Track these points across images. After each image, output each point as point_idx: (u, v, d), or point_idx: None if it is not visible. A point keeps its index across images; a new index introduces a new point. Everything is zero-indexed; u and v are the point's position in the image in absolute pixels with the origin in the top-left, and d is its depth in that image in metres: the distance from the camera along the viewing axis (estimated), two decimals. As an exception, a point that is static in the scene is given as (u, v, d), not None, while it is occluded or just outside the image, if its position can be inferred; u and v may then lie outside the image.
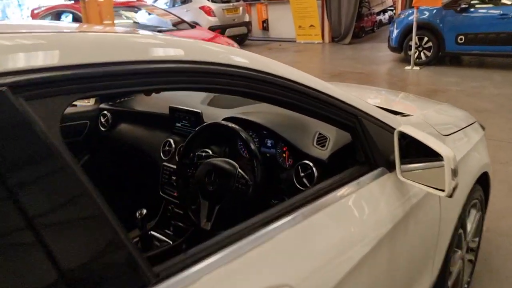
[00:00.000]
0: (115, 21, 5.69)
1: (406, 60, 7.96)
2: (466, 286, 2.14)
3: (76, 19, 5.98)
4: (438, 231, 1.55)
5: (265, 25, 12.97)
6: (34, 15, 7.26)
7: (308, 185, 1.43)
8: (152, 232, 1.83)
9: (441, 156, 1.16)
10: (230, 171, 1.42)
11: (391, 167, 1.32)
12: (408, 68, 7.65)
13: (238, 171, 1.42)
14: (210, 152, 1.69)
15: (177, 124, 1.88)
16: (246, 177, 1.41)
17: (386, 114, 1.39)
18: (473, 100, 5.53)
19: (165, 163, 1.88)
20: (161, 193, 1.89)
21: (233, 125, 1.48)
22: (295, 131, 1.52)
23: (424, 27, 7.54)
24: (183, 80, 0.84)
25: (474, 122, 2.15)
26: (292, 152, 1.52)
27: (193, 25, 6.88)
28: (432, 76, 7.18)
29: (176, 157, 1.82)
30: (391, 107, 1.80)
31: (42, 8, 7.20)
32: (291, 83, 1.05)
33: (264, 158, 1.64)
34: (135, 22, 6.86)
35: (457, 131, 1.83)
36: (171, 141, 1.89)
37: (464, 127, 1.94)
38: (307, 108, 1.12)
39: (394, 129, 1.34)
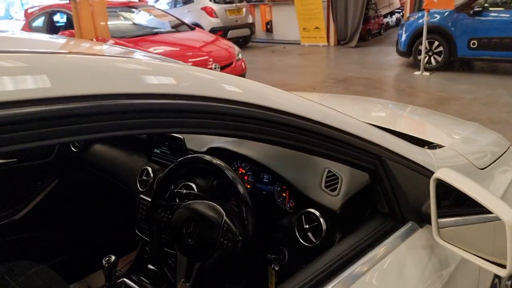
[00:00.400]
0: (111, 22, 5.41)
1: (415, 65, 7.63)
2: None
3: (69, 19, 5.69)
4: None
5: (268, 26, 12.66)
6: (28, 15, 6.98)
7: (314, 240, 1.11)
8: (125, 280, 1.53)
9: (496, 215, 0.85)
10: (214, 221, 1.11)
11: (422, 220, 1.01)
12: (417, 74, 7.32)
13: (224, 221, 1.10)
14: (195, 188, 1.39)
15: (156, 151, 1.58)
16: (235, 229, 1.09)
17: (417, 150, 1.09)
18: (489, 110, 5.20)
19: (142, 196, 1.57)
20: (136, 231, 1.58)
21: (218, 161, 1.17)
22: (298, 167, 1.21)
23: (435, 31, 7.20)
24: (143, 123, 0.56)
25: (509, 147, 1.83)
26: (293, 193, 1.21)
27: (192, 27, 6.57)
28: (443, 82, 6.84)
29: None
30: (414, 132, 1.49)
31: (36, 8, 6.93)
32: (295, 119, 0.76)
33: (259, 197, 1.33)
34: (134, 24, 6.57)
35: (494, 162, 1.51)
36: (149, 169, 1.58)
37: (501, 155, 1.63)
38: (314, 150, 0.83)
39: (428, 170, 1.04)
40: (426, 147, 1.28)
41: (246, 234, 1.06)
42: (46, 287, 1.56)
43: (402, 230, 0.99)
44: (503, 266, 0.83)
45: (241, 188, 1.10)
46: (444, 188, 0.94)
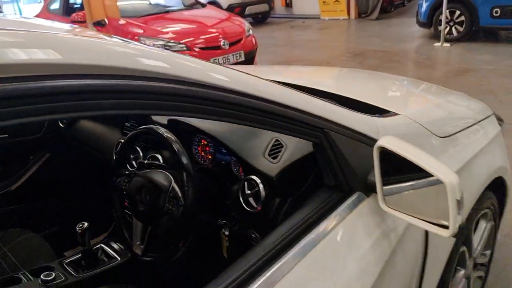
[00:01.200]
0: (121, 3, 5.48)
1: (436, 36, 7.37)
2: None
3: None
4: (426, 260, 1.26)
5: (288, 1, 12.44)
6: (46, -1, 7.16)
7: (255, 205, 1.16)
8: (103, 245, 1.63)
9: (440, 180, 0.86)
10: (162, 188, 1.17)
11: (368, 190, 1.03)
12: (437, 45, 7.08)
13: (172, 187, 1.17)
14: (160, 159, 1.45)
15: (126, 124, 1.65)
16: (180, 194, 1.16)
17: (362, 119, 1.09)
18: (507, 81, 5.01)
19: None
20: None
21: (168, 134, 1.22)
22: (247, 137, 1.25)
23: (456, 0, 6.91)
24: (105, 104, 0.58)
25: (488, 116, 1.80)
26: (241, 161, 1.26)
27: (204, 4, 6.56)
28: (463, 53, 6.60)
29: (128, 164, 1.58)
30: (378, 101, 1.49)
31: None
32: (231, 95, 0.75)
33: (219, 166, 1.39)
34: (144, 3, 6.60)
35: (461, 131, 1.50)
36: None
37: (473, 124, 1.61)
38: (256, 125, 0.84)
39: (372, 139, 1.05)
40: (377, 115, 1.28)
41: (186, 199, 1.12)
42: (34, 252, 1.69)
43: (349, 201, 1.00)
44: (446, 227, 0.85)
45: (184, 159, 1.16)
46: (388, 156, 0.95)
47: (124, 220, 1.36)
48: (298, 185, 1.12)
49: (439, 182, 0.87)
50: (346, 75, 2.17)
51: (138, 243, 1.26)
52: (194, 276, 1.40)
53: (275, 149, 1.18)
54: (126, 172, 1.36)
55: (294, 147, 1.17)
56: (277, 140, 1.20)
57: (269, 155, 1.17)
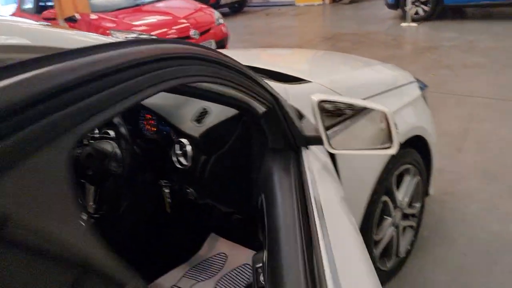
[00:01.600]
0: (92, -2, 5.59)
1: (404, 17, 7.60)
2: (404, 255, 2.07)
3: (54, -2, 5.88)
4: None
5: (264, -10, 12.58)
6: (19, -3, 7.22)
7: (185, 163, 1.37)
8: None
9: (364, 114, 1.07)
10: (107, 153, 1.37)
11: (308, 143, 1.18)
12: (404, 25, 7.31)
13: (115, 152, 1.37)
14: (111, 133, 1.65)
15: None
16: (120, 157, 1.36)
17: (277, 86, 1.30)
18: (465, 56, 5.25)
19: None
20: None
21: None
22: (180, 107, 1.45)
23: (420, -20, 7.14)
24: None
25: (410, 83, 2.02)
26: (173, 129, 1.46)
27: (174, -4, 6.70)
28: (428, 32, 6.84)
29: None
30: (296, 72, 1.67)
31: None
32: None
33: (162, 136, 1.59)
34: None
35: (375, 95, 1.72)
36: None
37: (389, 90, 1.82)
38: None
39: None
40: (293, 83, 1.49)
41: (125, 161, 1.33)
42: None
43: (304, 156, 1.12)
44: (389, 148, 1.05)
45: (122, 130, 1.36)
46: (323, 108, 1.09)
47: (79, 186, 1.55)
48: (220, 145, 1.33)
49: (376, 114, 1.06)
50: (287, 54, 2.38)
51: (90, 203, 1.46)
52: (142, 232, 1.61)
53: (201, 115, 1.38)
54: (79, 145, 1.56)
55: (217, 113, 1.37)
56: (204, 109, 1.40)
57: (195, 120, 1.38)
